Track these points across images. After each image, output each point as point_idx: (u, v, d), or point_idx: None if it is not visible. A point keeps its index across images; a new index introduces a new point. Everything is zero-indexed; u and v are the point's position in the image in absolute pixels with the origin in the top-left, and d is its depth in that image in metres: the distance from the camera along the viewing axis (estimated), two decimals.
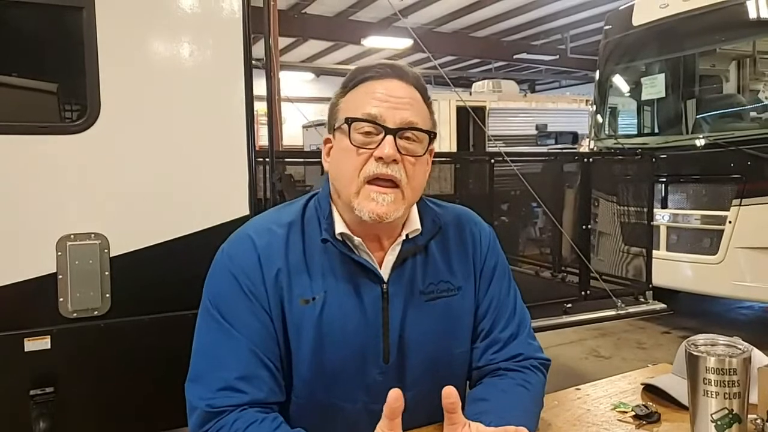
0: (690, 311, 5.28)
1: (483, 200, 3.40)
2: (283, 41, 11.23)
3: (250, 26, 2.13)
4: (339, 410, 1.05)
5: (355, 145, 1.01)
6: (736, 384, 0.89)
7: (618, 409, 1.15)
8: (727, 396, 0.89)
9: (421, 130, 1.03)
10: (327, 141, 1.10)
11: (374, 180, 1.00)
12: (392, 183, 1.01)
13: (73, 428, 1.97)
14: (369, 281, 1.05)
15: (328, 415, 1.04)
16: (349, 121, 1.02)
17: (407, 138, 1.02)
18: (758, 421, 1.02)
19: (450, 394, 0.87)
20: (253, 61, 2.17)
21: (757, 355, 1.16)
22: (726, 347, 0.94)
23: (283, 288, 1.02)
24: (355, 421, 1.04)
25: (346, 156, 1.03)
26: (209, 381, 0.98)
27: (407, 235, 1.09)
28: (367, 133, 1.01)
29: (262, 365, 1.00)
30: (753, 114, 5.05)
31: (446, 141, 10.31)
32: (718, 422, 0.89)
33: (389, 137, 1.00)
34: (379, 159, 0.99)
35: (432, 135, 1.06)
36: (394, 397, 0.85)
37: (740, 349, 0.92)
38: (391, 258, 1.07)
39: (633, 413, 1.12)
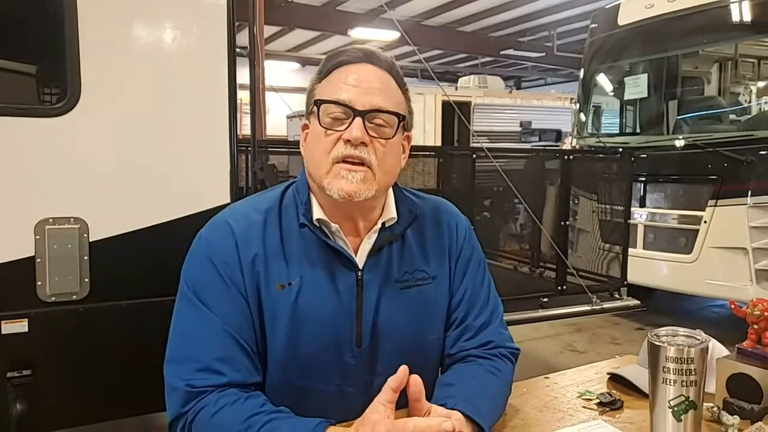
0: (664, 309, 5.39)
1: (465, 195, 3.42)
2: (269, 30, 11.15)
3: (234, 13, 2.13)
4: (312, 392, 1.07)
5: (324, 127, 1.03)
6: (693, 372, 0.92)
7: (583, 397, 1.19)
8: (684, 384, 0.93)
9: (390, 112, 1.04)
10: (305, 127, 1.12)
11: (343, 160, 1.02)
12: (362, 163, 1.02)
13: (51, 411, 1.97)
14: (344, 268, 1.07)
15: (301, 397, 1.06)
16: (319, 103, 1.04)
17: (377, 121, 1.04)
18: (714, 409, 1.07)
19: (415, 382, 0.91)
20: (237, 49, 2.17)
21: (717, 346, 1.21)
22: (686, 338, 0.97)
23: (260, 273, 1.04)
24: (327, 402, 1.07)
25: (316, 139, 1.05)
26: (187, 362, 1.00)
27: (383, 224, 1.11)
28: (337, 117, 1.03)
29: (239, 347, 1.02)
30: (732, 116, 5.15)
31: (431, 135, 10.36)
32: (675, 408, 0.93)
33: (358, 120, 1.01)
34: (347, 142, 1.01)
35: (401, 117, 1.07)
36: (403, 372, 0.89)
37: (699, 339, 0.96)
38: (367, 246, 1.10)
39: (597, 401, 1.17)
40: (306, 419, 0.94)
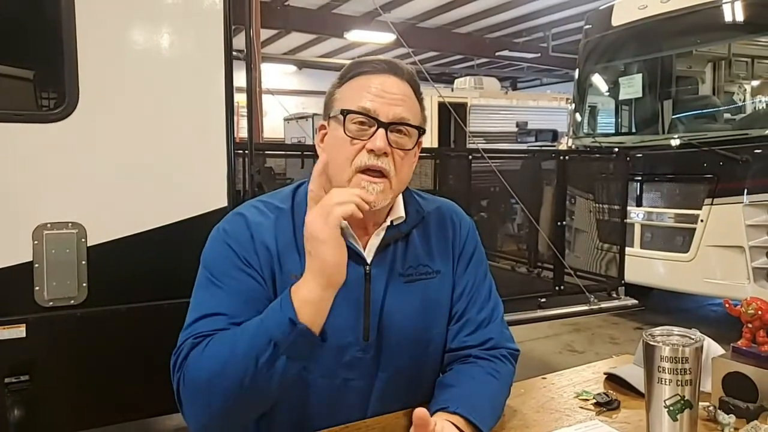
0: (662, 308, 5.40)
1: (462, 196, 3.42)
2: (265, 33, 11.13)
3: (231, 17, 2.14)
4: (319, 385, 1.09)
5: (348, 136, 1.07)
6: (688, 372, 0.93)
7: (581, 397, 1.20)
8: (679, 383, 0.93)
9: (411, 125, 1.09)
10: (321, 127, 1.16)
11: (365, 170, 1.06)
12: (381, 174, 1.06)
13: (49, 416, 1.97)
14: (353, 262, 1.10)
15: (307, 390, 1.08)
16: (345, 112, 1.07)
17: (398, 132, 1.08)
18: (710, 408, 1.08)
19: (422, 416, 0.92)
20: (234, 53, 2.18)
21: (712, 345, 1.22)
22: (680, 337, 0.98)
23: (274, 263, 1.07)
24: (334, 395, 1.09)
25: (339, 145, 1.08)
26: (207, 320, 1.01)
27: (392, 222, 1.15)
28: (361, 124, 1.07)
29: (255, 313, 1.02)
30: (726, 115, 5.17)
31: (427, 137, 10.35)
32: (671, 408, 0.93)
33: (381, 131, 1.05)
34: (371, 151, 1.05)
35: (421, 130, 1.12)
36: (420, 416, 0.92)
37: (693, 339, 0.97)
38: (375, 242, 1.13)
39: (594, 401, 1.17)
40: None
